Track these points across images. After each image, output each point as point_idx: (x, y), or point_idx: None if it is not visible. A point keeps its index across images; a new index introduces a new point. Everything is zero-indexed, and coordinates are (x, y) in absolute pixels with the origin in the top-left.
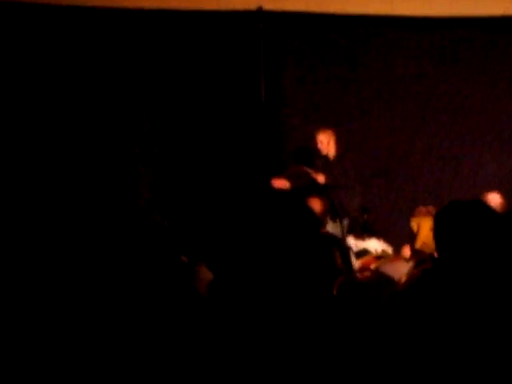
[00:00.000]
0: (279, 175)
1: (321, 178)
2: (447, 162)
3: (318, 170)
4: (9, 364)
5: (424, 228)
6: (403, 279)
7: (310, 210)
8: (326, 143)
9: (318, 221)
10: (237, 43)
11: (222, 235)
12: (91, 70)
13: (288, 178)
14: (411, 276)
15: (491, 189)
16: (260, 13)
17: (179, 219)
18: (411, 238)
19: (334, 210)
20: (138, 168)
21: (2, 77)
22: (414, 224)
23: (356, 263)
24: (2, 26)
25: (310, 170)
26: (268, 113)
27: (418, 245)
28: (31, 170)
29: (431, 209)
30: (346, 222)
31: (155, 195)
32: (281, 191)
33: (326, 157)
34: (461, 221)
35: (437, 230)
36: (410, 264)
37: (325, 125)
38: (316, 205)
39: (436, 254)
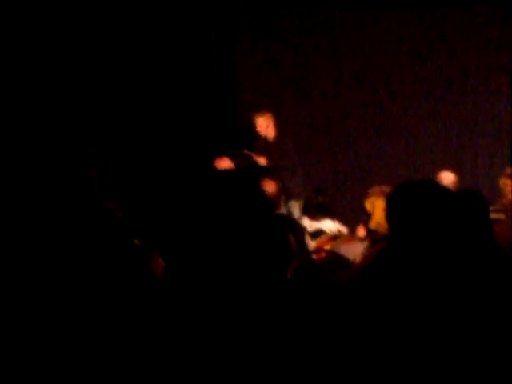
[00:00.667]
0: (221, 157)
1: (262, 160)
2: (401, 140)
3: (258, 152)
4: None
5: (378, 208)
6: (358, 259)
7: (262, 192)
8: (265, 126)
9: (271, 202)
10: (189, 20)
11: (172, 219)
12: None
13: (231, 159)
14: (366, 256)
15: (444, 166)
16: None
17: (131, 202)
18: (366, 218)
19: None
20: (90, 151)
21: None
22: (368, 204)
23: (311, 244)
24: None
25: (250, 153)
26: (219, 92)
27: (373, 225)
28: None
29: (385, 188)
30: (293, 204)
31: (107, 179)
32: (228, 172)
33: (265, 139)
34: (412, 201)
35: (389, 211)
36: (365, 244)
37: (273, 106)
38: (269, 186)
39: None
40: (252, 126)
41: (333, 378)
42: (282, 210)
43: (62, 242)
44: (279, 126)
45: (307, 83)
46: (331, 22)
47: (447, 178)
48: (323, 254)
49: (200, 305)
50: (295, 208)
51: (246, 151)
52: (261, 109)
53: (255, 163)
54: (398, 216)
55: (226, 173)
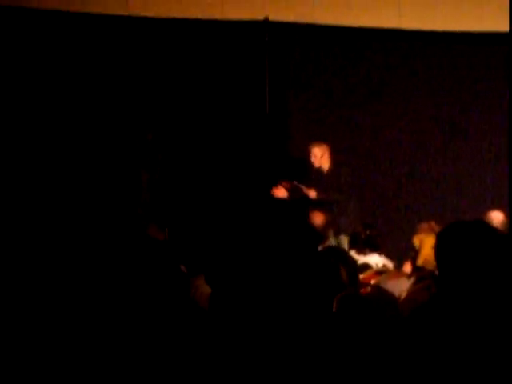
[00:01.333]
0: (276, 187)
1: (312, 193)
2: (450, 179)
3: (310, 183)
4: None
5: (426, 245)
6: (403, 295)
7: (311, 224)
8: (320, 157)
9: (319, 235)
10: (243, 53)
11: (222, 246)
12: (98, 78)
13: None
14: (411, 292)
15: (494, 207)
16: (266, 23)
17: (179, 229)
18: (413, 254)
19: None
20: (141, 176)
21: (5, 83)
22: (416, 240)
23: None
24: (5, 32)
25: (301, 185)
26: (272, 124)
27: (420, 262)
28: (31, 174)
29: (433, 225)
30: (343, 237)
31: (156, 203)
32: (281, 204)
33: (319, 170)
34: (462, 241)
35: (438, 250)
36: (411, 280)
37: (326, 138)
38: (318, 218)
39: (437, 272)
40: (306, 157)
41: None
42: (332, 243)
43: (105, 263)
44: (336, 157)
45: (361, 117)
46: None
47: (497, 217)
48: (369, 289)
49: (244, 334)
50: (345, 242)
51: (296, 183)
52: (316, 139)
53: (305, 196)
54: (448, 255)
55: (277, 204)
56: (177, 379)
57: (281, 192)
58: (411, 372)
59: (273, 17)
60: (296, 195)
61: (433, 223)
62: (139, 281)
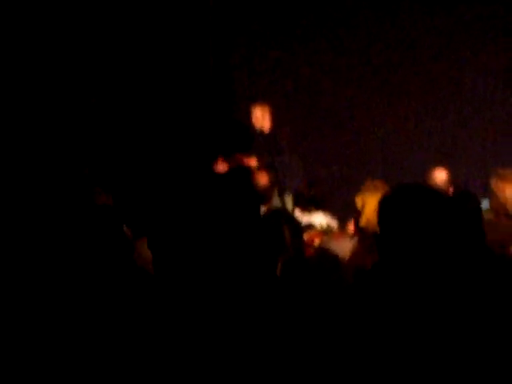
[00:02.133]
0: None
1: (252, 162)
2: (395, 135)
3: (252, 145)
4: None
5: (369, 205)
6: (347, 257)
7: (253, 186)
8: (261, 117)
9: (263, 196)
10: (186, 11)
11: (163, 210)
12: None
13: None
14: (354, 253)
15: (438, 164)
16: None
17: (123, 191)
18: (356, 213)
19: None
20: (84, 135)
21: None
22: (358, 200)
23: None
24: None
25: (240, 156)
26: (215, 81)
27: (363, 222)
28: None
29: (378, 184)
30: (287, 197)
31: (100, 165)
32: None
33: (260, 131)
34: (404, 206)
35: (380, 215)
36: (354, 241)
37: (269, 96)
38: (261, 179)
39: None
40: (247, 119)
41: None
42: (276, 203)
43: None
44: (275, 117)
45: (302, 76)
46: (329, 10)
47: (440, 175)
48: (312, 250)
49: (187, 299)
50: (289, 201)
51: (236, 155)
52: (257, 100)
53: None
54: (390, 221)
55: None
56: (121, 343)
57: (223, 166)
58: (355, 338)
59: None
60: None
61: (377, 182)
62: (82, 245)
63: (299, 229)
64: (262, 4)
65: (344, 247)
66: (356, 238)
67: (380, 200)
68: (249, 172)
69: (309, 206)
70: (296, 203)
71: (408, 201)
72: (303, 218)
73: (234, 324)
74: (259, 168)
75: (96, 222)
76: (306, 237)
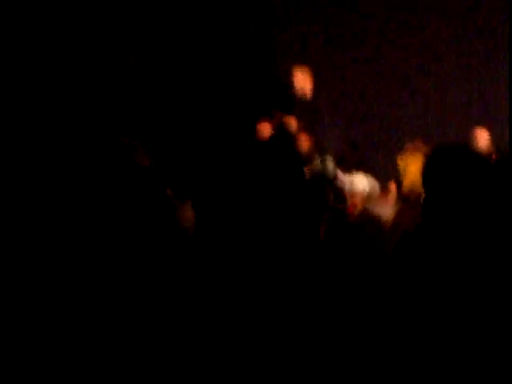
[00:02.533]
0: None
1: (293, 122)
2: (435, 95)
3: (292, 106)
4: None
5: (411, 167)
6: (391, 219)
7: (296, 149)
8: (302, 79)
9: (305, 158)
10: None
11: (208, 172)
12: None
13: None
14: (398, 214)
15: (479, 123)
16: None
17: (166, 153)
18: (398, 176)
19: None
20: (126, 100)
21: None
22: (400, 163)
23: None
24: None
25: (281, 114)
26: (257, 49)
27: (406, 184)
28: None
29: (419, 144)
30: (328, 158)
31: (141, 125)
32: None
33: (301, 93)
34: (448, 167)
35: (425, 175)
36: (398, 203)
37: (310, 59)
38: (303, 141)
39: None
40: (288, 80)
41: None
42: (317, 165)
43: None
44: (315, 79)
45: (342, 40)
46: None
47: (482, 136)
48: (356, 212)
49: (230, 263)
50: (330, 162)
51: (277, 112)
52: (300, 62)
53: (285, 126)
54: (433, 181)
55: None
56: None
57: (265, 128)
58: (400, 301)
59: None
60: (278, 126)
61: (418, 142)
62: (124, 205)
63: (343, 195)
64: None
65: (387, 209)
66: (399, 203)
67: (424, 161)
68: (291, 134)
69: (351, 167)
70: (338, 165)
71: (453, 162)
72: (346, 180)
73: (280, 286)
74: (300, 130)
75: (139, 182)
76: (349, 201)
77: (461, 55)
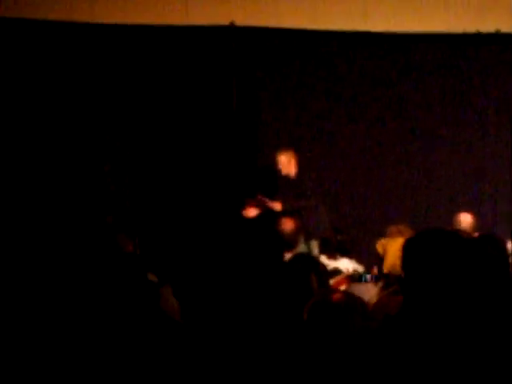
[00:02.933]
0: (242, 205)
1: (277, 206)
2: (420, 182)
3: (277, 191)
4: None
5: (390, 250)
6: (373, 301)
7: (278, 232)
8: (287, 163)
9: (289, 242)
10: (209, 59)
11: (189, 257)
12: (66, 80)
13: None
14: (379, 299)
15: (463, 209)
16: (232, 28)
17: (148, 238)
18: (378, 259)
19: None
20: (108, 183)
21: None
22: (379, 247)
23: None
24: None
25: (265, 199)
26: (241, 132)
27: (386, 268)
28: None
29: (402, 228)
30: (313, 242)
31: (125, 212)
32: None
33: (287, 177)
34: (429, 252)
35: (405, 260)
36: (379, 285)
37: (295, 144)
38: (287, 225)
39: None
40: (273, 165)
41: None
42: (302, 249)
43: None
44: (300, 164)
45: (325, 122)
46: (346, 62)
47: (465, 219)
48: (339, 295)
49: (217, 345)
50: (315, 247)
51: (260, 197)
52: (282, 146)
53: (270, 209)
54: (414, 264)
55: (245, 220)
56: None
57: (251, 212)
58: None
59: (239, 21)
60: (262, 209)
61: (401, 226)
62: (107, 290)
63: (325, 273)
64: (287, 48)
65: (369, 291)
66: (380, 283)
67: (404, 244)
68: (274, 218)
69: (335, 252)
70: (323, 249)
71: (432, 245)
72: (330, 263)
73: (261, 369)
74: (285, 213)
75: (120, 268)
76: (332, 282)
77: (452, 140)
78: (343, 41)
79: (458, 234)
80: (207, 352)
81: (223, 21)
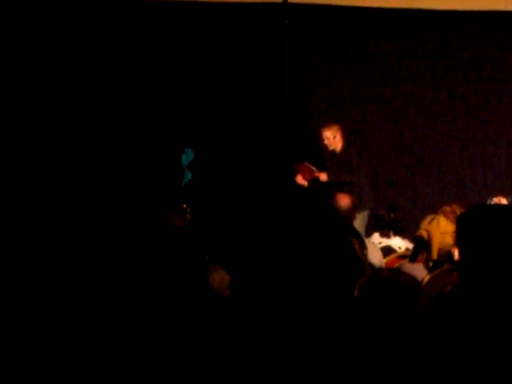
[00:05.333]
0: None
1: (323, 176)
2: (474, 159)
3: (324, 165)
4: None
5: (435, 234)
6: (426, 279)
7: (333, 209)
8: (332, 138)
9: (345, 218)
10: (261, 36)
11: (242, 235)
12: (117, 66)
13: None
14: (432, 277)
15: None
16: (285, 5)
17: (199, 215)
18: (424, 246)
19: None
20: (159, 165)
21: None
22: (423, 233)
23: (383, 261)
24: None
25: (312, 168)
26: (292, 108)
27: (435, 254)
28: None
29: (456, 207)
30: (358, 215)
31: (175, 190)
32: (300, 191)
33: (332, 152)
34: (483, 225)
35: (459, 235)
36: (430, 265)
37: (345, 121)
38: (344, 201)
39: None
40: (320, 141)
41: None
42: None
43: (124, 251)
44: (347, 139)
45: (376, 100)
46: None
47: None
48: (391, 273)
49: (265, 321)
50: (360, 220)
51: (307, 164)
52: (328, 121)
53: (316, 178)
54: (469, 240)
55: (296, 191)
56: (191, 363)
57: (299, 179)
58: (435, 363)
59: None
60: (311, 179)
61: (455, 206)
62: (157, 267)
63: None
64: (340, 25)
65: (420, 270)
66: (431, 264)
67: (459, 219)
68: (329, 194)
69: (388, 230)
70: (376, 227)
71: (486, 219)
72: (382, 241)
73: (312, 347)
74: (333, 186)
75: (172, 244)
76: (386, 260)
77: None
78: (395, 18)
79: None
80: (254, 329)
81: None
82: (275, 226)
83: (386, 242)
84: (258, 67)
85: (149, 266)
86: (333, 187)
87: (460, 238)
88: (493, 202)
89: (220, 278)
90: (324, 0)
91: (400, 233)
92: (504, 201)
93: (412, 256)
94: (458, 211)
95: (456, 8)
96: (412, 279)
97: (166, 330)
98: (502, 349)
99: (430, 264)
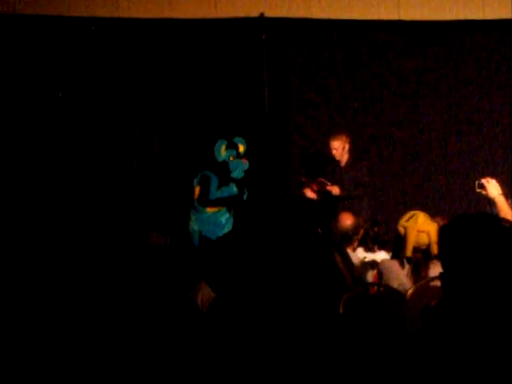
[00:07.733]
0: (303, 185)
1: (335, 190)
2: (457, 174)
3: (328, 177)
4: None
5: (411, 232)
6: (410, 292)
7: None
8: (341, 149)
9: (346, 237)
10: (239, 51)
11: (225, 250)
12: (96, 83)
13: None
14: (416, 289)
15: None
16: (262, 19)
17: (181, 233)
18: (399, 242)
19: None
20: (137, 182)
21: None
22: (399, 229)
23: (368, 276)
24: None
25: (326, 182)
26: (272, 123)
27: (409, 248)
28: (32, 176)
29: (439, 220)
30: None
31: (155, 209)
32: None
33: (337, 164)
34: (466, 236)
35: (441, 246)
36: (407, 268)
37: (330, 132)
38: (347, 220)
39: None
40: (325, 150)
41: None
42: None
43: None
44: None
45: (355, 114)
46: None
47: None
48: (375, 287)
49: (247, 337)
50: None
51: (321, 179)
52: (316, 136)
53: (328, 192)
54: (452, 250)
55: (303, 204)
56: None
57: (309, 192)
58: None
59: (268, 13)
60: (321, 193)
61: (438, 219)
62: (140, 287)
63: (348, 256)
64: (317, 39)
65: (399, 273)
66: (407, 266)
67: (441, 229)
68: (337, 209)
69: (373, 244)
70: (360, 242)
71: (469, 230)
72: (367, 255)
73: (297, 362)
74: (341, 200)
75: (154, 263)
76: (371, 275)
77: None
78: (374, 30)
79: (494, 217)
80: (235, 344)
81: (253, 13)
82: (256, 242)
83: (370, 256)
84: (236, 82)
85: (133, 286)
86: (341, 200)
87: (442, 251)
88: (481, 182)
89: (208, 295)
90: (301, 13)
91: (384, 247)
92: (493, 181)
93: (393, 252)
94: (441, 223)
95: (438, 18)
96: (398, 294)
97: (152, 348)
98: (488, 360)
99: (404, 260)
